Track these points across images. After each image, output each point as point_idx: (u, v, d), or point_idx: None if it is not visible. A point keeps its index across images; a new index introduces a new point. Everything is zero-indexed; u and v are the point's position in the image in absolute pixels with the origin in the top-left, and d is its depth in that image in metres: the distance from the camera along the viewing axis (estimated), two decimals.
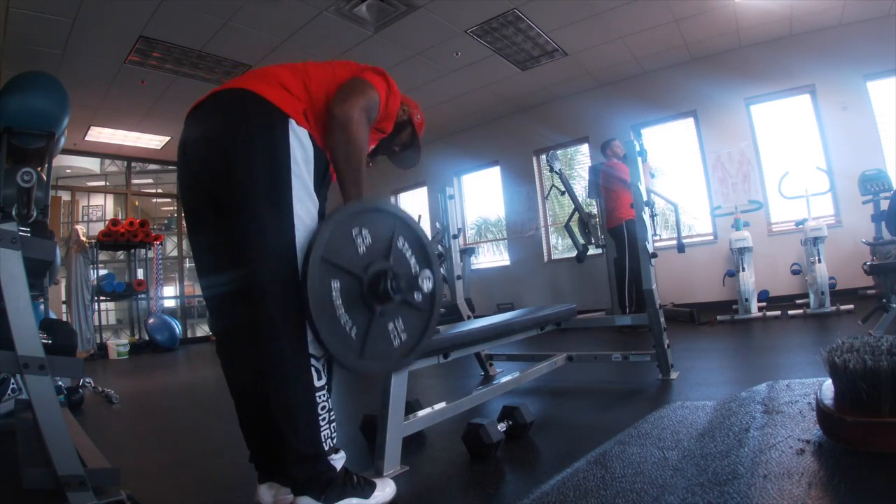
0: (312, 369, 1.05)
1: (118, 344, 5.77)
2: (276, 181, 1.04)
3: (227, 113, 1.07)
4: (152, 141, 6.53)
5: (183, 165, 1.14)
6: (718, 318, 4.17)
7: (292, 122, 1.06)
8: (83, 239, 5.72)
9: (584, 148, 6.30)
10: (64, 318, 5.44)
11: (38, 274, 2.48)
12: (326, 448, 1.08)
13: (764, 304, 4.49)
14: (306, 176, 1.08)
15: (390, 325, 1.08)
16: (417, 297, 1.08)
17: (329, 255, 0.99)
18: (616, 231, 4.11)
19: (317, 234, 0.99)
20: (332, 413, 1.10)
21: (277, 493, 1.17)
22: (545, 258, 6.51)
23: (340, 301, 0.99)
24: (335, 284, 0.99)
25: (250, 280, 1.04)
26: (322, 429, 1.07)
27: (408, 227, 1.13)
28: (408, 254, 1.12)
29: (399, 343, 1.10)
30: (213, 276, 1.16)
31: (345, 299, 1.00)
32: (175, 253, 8.97)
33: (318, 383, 1.06)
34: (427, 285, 1.05)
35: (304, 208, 1.07)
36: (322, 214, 1.14)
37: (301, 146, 1.07)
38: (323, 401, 1.08)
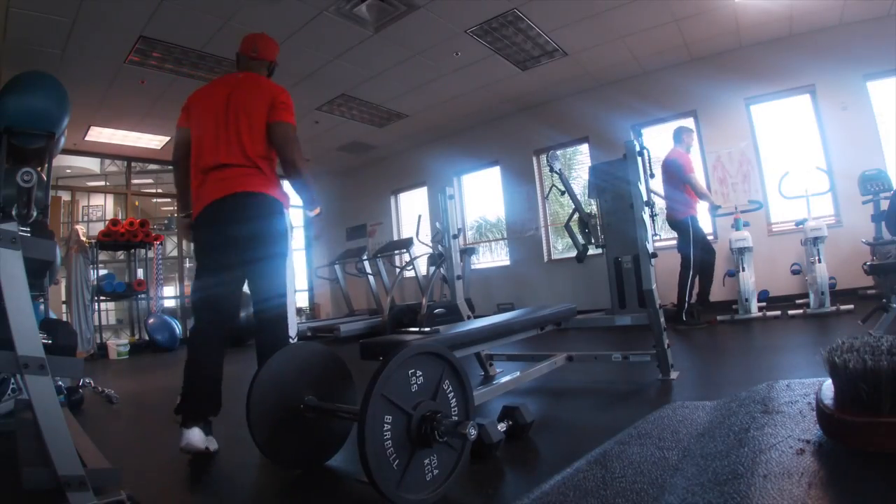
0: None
1: (118, 344, 5.76)
2: (282, 246, 1.78)
3: (259, 205, 1.72)
4: (152, 141, 6.53)
5: (212, 232, 1.73)
6: (718, 318, 4.17)
7: (286, 212, 1.78)
8: (83, 239, 5.72)
9: (584, 148, 6.30)
10: (64, 318, 5.43)
11: (38, 274, 2.48)
12: None
13: (764, 304, 4.49)
14: (290, 234, 1.83)
15: (426, 460, 1.16)
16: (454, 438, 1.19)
17: (387, 392, 1.11)
18: (681, 224, 4.21)
19: (380, 370, 1.11)
20: None
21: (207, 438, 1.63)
22: (545, 258, 6.50)
23: (390, 434, 1.11)
24: (388, 418, 1.11)
25: (276, 297, 1.76)
26: None
27: (454, 371, 1.26)
28: (450, 395, 1.25)
29: (431, 477, 1.17)
30: (222, 287, 1.76)
31: (393, 433, 1.12)
32: (175, 253, 8.97)
33: None
34: (472, 432, 1.14)
35: (290, 264, 1.84)
36: None
37: (290, 224, 1.84)
38: None
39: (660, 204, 4.24)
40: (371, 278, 6.73)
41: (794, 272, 4.66)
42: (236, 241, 1.70)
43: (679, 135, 4.40)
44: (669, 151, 4.38)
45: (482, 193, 7.34)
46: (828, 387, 1.25)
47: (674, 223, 4.31)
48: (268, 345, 1.68)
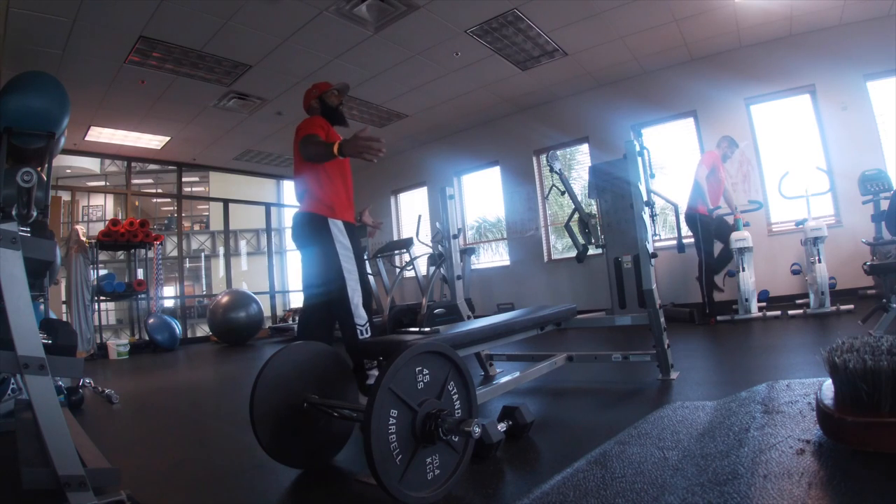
0: (357, 329, 2.08)
1: (118, 344, 5.77)
2: (330, 247, 2.14)
3: (305, 221, 2.20)
4: (152, 141, 6.53)
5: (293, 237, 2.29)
6: (718, 318, 4.17)
7: (329, 220, 2.15)
8: (83, 239, 5.72)
9: (584, 148, 6.29)
10: (64, 318, 5.43)
11: (38, 274, 2.48)
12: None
13: (764, 304, 4.49)
14: (342, 238, 2.16)
15: (428, 459, 1.17)
16: (456, 438, 1.21)
17: (395, 386, 1.13)
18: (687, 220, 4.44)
19: (389, 365, 1.14)
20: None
21: None
22: (545, 258, 6.50)
23: (395, 429, 1.12)
24: (393, 413, 1.12)
25: (311, 286, 2.23)
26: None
27: (459, 372, 1.28)
28: (455, 396, 1.26)
29: (432, 476, 1.17)
30: (307, 279, 2.26)
31: (398, 428, 1.13)
32: (175, 253, 8.98)
33: (360, 338, 2.06)
34: (476, 430, 1.16)
35: (346, 257, 2.14)
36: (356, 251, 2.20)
37: (337, 227, 2.16)
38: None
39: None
40: (371, 278, 6.72)
41: (794, 272, 4.66)
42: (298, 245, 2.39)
43: (720, 141, 4.64)
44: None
45: (482, 193, 7.34)
46: (828, 387, 1.25)
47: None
48: (310, 323, 2.22)
